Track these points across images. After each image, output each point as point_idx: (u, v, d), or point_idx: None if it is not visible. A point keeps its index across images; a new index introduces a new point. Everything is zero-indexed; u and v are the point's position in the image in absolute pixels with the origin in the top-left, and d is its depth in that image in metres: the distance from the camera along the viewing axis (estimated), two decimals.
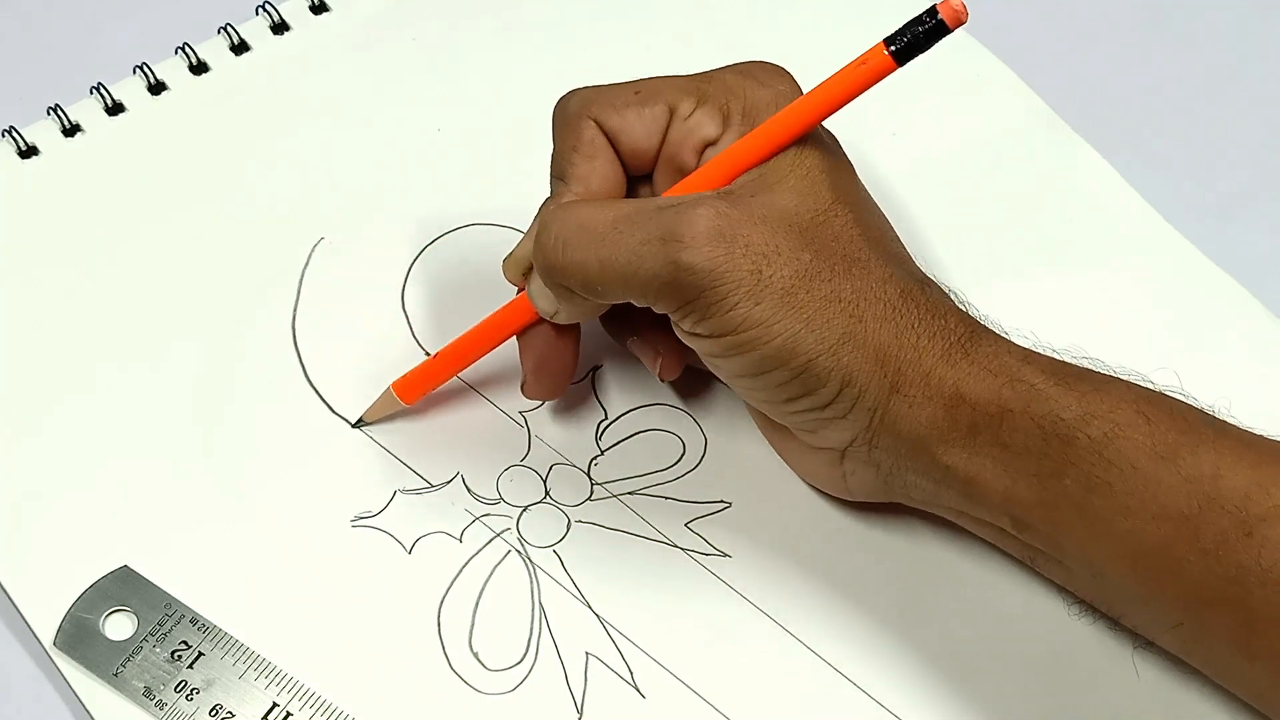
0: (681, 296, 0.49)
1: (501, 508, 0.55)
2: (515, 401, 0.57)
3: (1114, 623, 0.52)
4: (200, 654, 0.52)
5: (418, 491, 0.55)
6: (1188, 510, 0.46)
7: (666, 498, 0.55)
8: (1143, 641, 0.52)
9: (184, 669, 0.51)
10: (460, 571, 0.54)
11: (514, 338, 0.54)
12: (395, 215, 0.60)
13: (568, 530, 0.55)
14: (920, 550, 0.54)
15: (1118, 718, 0.52)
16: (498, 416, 0.56)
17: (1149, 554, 0.47)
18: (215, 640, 0.52)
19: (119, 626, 0.52)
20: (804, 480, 0.55)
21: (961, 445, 0.49)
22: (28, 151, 0.61)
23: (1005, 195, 0.62)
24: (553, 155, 0.53)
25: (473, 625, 0.53)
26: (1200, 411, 0.49)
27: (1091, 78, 0.65)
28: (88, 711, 0.51)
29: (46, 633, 0.52)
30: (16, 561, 0.53)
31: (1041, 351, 0.50)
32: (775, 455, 0.56)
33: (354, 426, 0.56)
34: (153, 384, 0.56)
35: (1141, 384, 0.49)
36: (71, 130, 0.62)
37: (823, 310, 0.49)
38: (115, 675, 0.51)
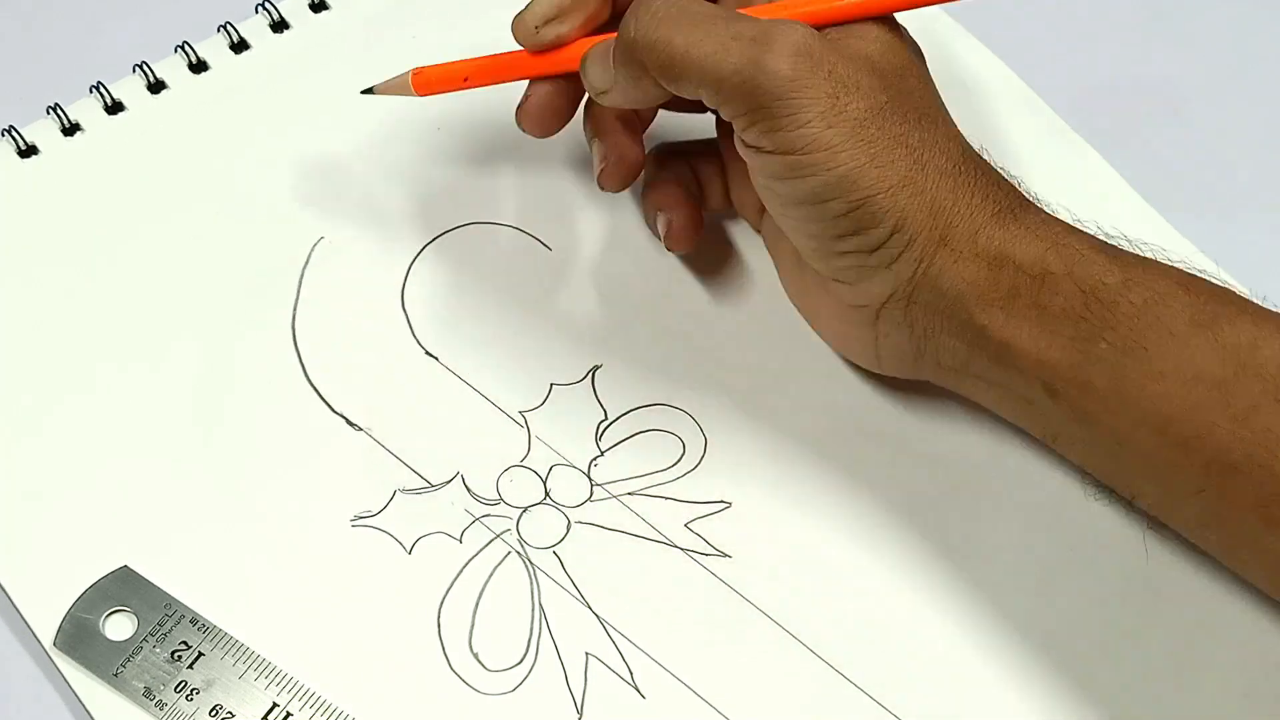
0: (756, 99, 0.50)
1: (501, 508, 0.55)
2: (515, 401, 0.57)
3: (1129, 504, 0.53)
4: (200, 654, 0.52)
5: (417, 491, 0.55)
6: (1221, 375, 0.48)
7: (666, 498, 0.55)
8: (1154, 522, 0.52)
9: (184, 669, 0.51)
10: (460, 572, 0.54)
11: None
12: (395, 215, 0.60)
13: (568, 531, 0.55)
14: (920, 551, 0.54)
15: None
16: (498, 416, 0.56)
17: (1178, 418, 0.48)
18: (215, 640, 0.52)
19: (119, 626, 0.52)
20: (835, 349, 0.56)
21: (1000, 306, 0.50)
22: (28, 151, 0.61)
23: None
24: None
25: (473, 625, 0.53)
26: (1241, 295, 0.50)
27: (1092, 78, 0.65)
28: (88, 711, 0.51)
29: (46, 633, 0.52)
30: (16, 561, 0.53)
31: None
32: (775, 455, 0.56)
33: (362, 93, 0.58)
34: (153, 384, 0.56)
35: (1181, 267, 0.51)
36: (71, 130, 0.62)
37: (890, 149, 0.50)
38: (115, 675, 0.51)
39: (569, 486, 0.55)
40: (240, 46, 0.64)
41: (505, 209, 0.60)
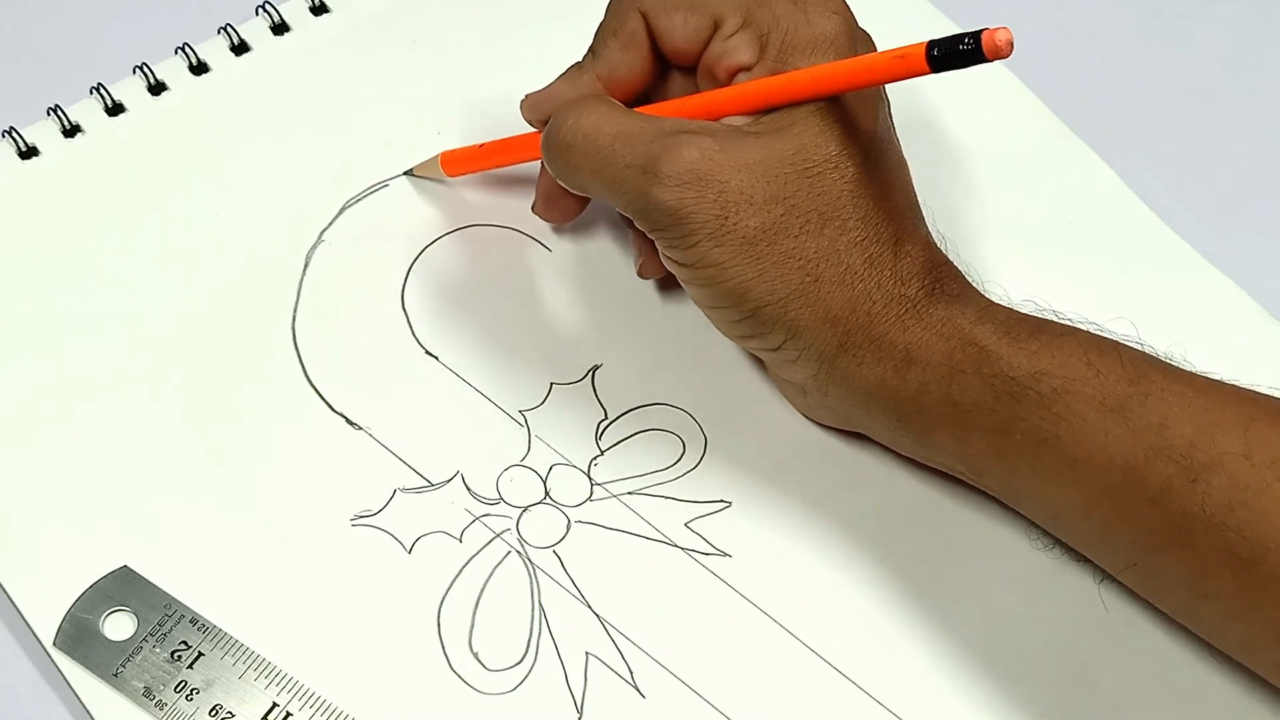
0: (650, 224, 0.52)
1: (501, 508, 0.55)
2: (515, 401, 0.57)
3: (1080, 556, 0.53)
4: (200, 654, 0.52)
5: (417, 490, 0.55)
6: (1134, 460, 0.48)
7: (666, 497, 0.55)
8: (1106, 574, 0.53)
9: (184, 669, 0.51)
10: (460, 571, 0.54)
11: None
12: (395, 215, 0.60)
13: (568, 531, 0.55)
14: (919, 549, 0.54)
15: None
16: (498, 416, 0.56)
17: (1099, 502, 0.49)
18: (215, 640, 0.52)
19: (119, 626, 0.52)
20: (785, 397, 0.56)
21: (912, 402, 0.51)
22: (28, 152, 0.61)
23: (1004, 198, 0.62)
24: (597, 28, 0.55)
25: (473, 625, 0.53)
26: (1152, 359, 0.50)
27: (1091, 79, 0.65)
28: (88, 711, 0.51)
29: (46, 633, 0.52)
30: (16, 561, 0.53)
31: (1001, 304, 0.52)
32: (775, 454, 0.56)
33: (405, 174, 0.60)
34: (153, 384, 0.56)
35: (1097, 334, 0.51)
36: (71, 130, 0.62)
37: (779, 265, 0.51)
38: (115, 675, 0.51)
39: (569, 486, 0.55)
40: (241, 48, 0.64)
41: (505, 209, 0.60)
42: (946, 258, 0.54)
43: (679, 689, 0.52)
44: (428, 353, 0.58)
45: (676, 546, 0.54)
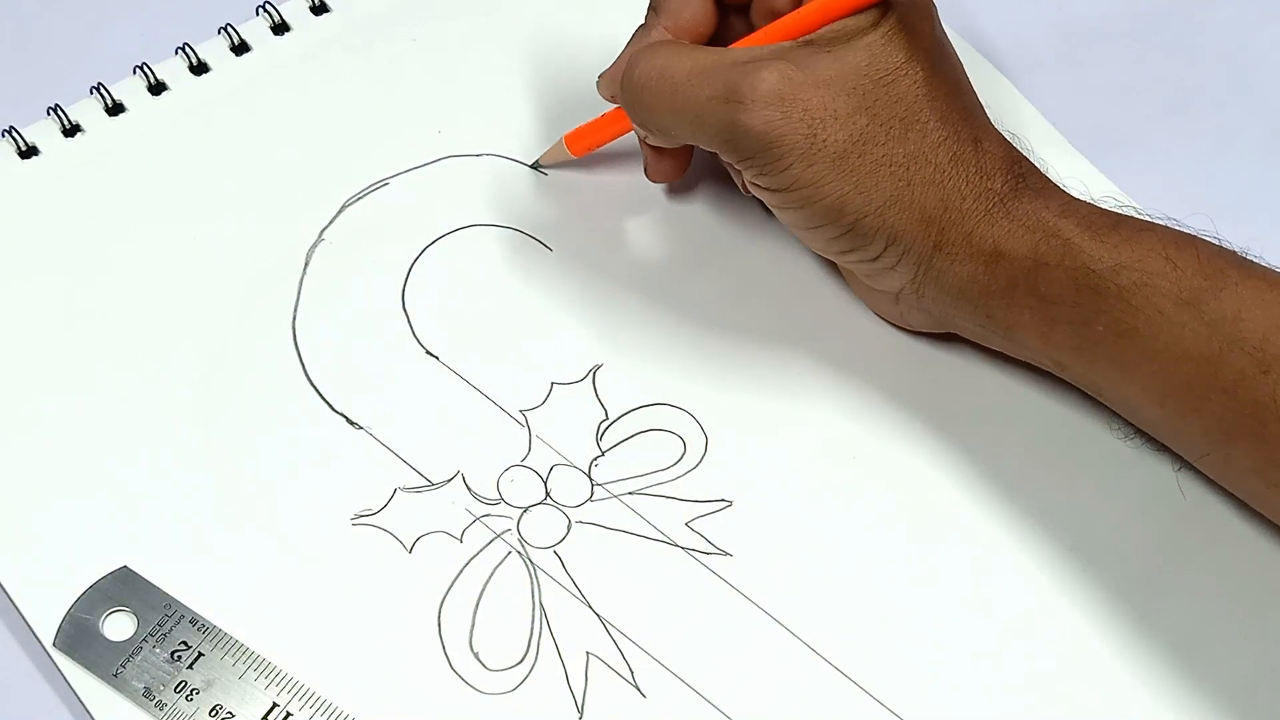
0: (739, 154, 0.53)
1: (502, 508, 0.55)
2: (516, 401, 0.57)
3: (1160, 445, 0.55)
4: (200, 654, 0.51)
5: (418, 490, 0.55)
6: (1209, 352, 0.49)
7: (667, 497, 0.55)
8: (1185, 462, 0.54)
9: (184, 669, 0.51)
10: (461, 571, 0.54)
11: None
12: (395, 216, 0.60)
13: (568, 531, 0.55)
14: (921, 549, 0.54)
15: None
16: (498, 416, 0.56)
17: (1174, 394, 0.51)
18: (215, 640, 0.52)
19: (119, 627, 0.52)
20: (872, 310, 0.58)
21: (1001, 296, 0.52)
22: (28, 151, 0.61)
23: None
24: None
25: (473, 625, 0.53)
26: (1229, 253, 0.52)
27: (1090, 78, 0.65)
28: (88, 711, 0.51)
29: (46, 633, 0.52)
30: (16, 561, 0.53)
31: (1082, 199, 0.53)
32: (776, 453, 0.56)
33: (531, 167, 0.61)
34: (153, 384, 0.56)
35: (1176, 229, 0.52)
36: (71, 130, 0.62)
37: (872, 174, 0.52)
38: (115, 675, 0.51)
39: (570, 486, 0.55)
40: (241, 48, 0.64)
41: (505, 209, 0.60)
42: (1023, 154, 0.55)
43: (680, 689, 0.52)
44: (428, 353, 0.58)
45: (677, 546, 0.54)
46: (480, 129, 0.62)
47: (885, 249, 0.53)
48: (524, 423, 0.56)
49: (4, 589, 0.53)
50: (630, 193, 0.61)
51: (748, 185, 0.55)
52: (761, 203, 0.60)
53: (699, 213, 0.61)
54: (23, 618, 0.52)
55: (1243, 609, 0.53)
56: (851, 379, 0.57)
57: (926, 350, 0.58)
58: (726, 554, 0.54)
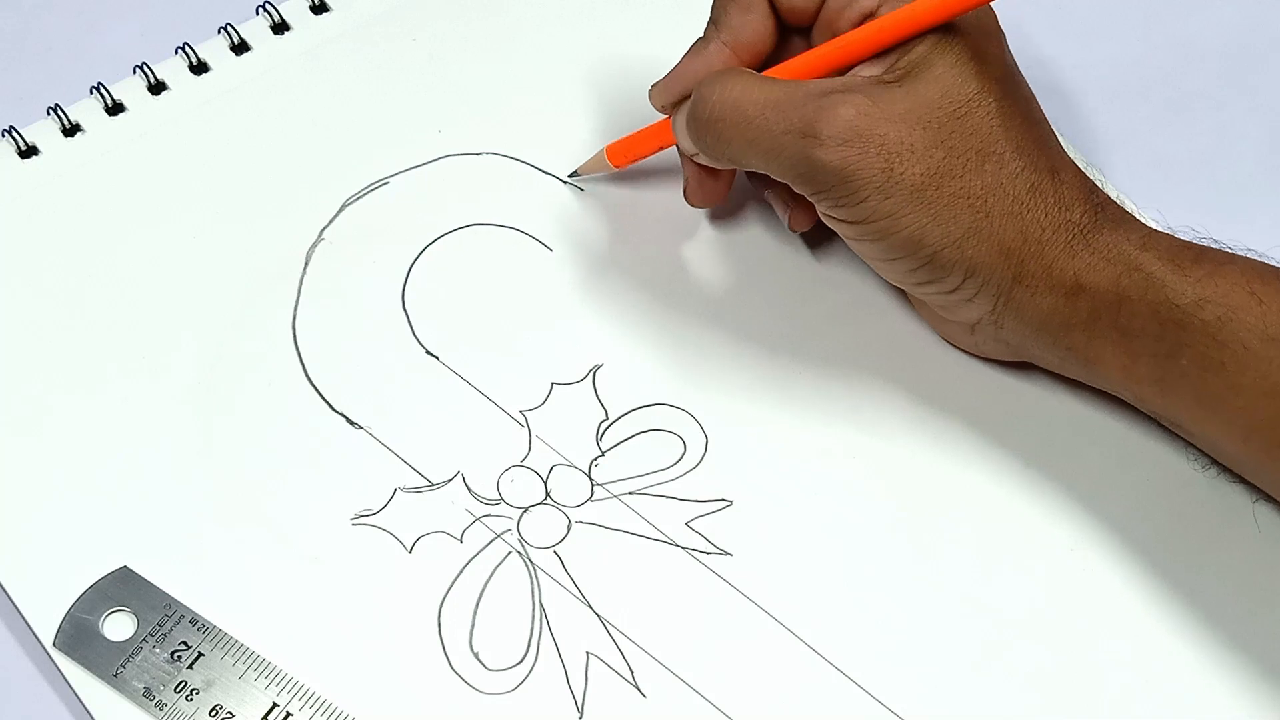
0: (815, 186, 0.52)
1: (502, 509, 0.55)
2: (516, 401, 0.57)
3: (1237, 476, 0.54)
4: (200, 654, 0.51)
5: (418, 490, 0.55)
6: None
7: (667, 497, 0.55)
8: (1262, 494, 0.54)
9: (184, 669, 0.51)
10: (461, 571, 0.54)
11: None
12: (395, 215, 0.60)
13: (568, 531, 0.55)
14: (921, 549, 0.54)
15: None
16: (498, 416, 0.56)
17: (1259, 429, 0.50)
18: (215, 640, 0.52)
19: (119, 627, 0.52)
20: (944, 339, 0.58)
21: (1082, 329, 0.52)
22: (28, 151, 0.61)
23: None
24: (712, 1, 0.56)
25: (473, 625, 0.53)
26: None
27: (1090, 78, 0.65)
28: (88, 711, 0.51)
29: (46, 633, 0.52)
30: (16, 561, 0.53)
31: (1162, 231, 0.53)
32: (776, 453, 0.56)
33: (565, 180, 0.60)
34: (153, 384, 0.56)
35: (1259, 261, 0.52)
36: (71, 130, 0.62)
37: (950, 206, 0.52)
38: (115, 675, 0.51)
39: (570, 486, 0.55)
40: (241, 48, 0.64)
41: (505, 209, 0.60)
42: (1098, 185, 0.54)
43: (680, 688, 0.52)
44: (428, 352, 0.58)
45: (677, 546, 0.54)
46: (480, 128, 0.62)
47: (964, 281, 0.53)
48: (524, 423, 0.56)
49: (4, 589, 0.53)
50: (630, 193, 0.61)
51: (821, 216, 0.54)
52: (761, 203, 0.60)
53: (699, 213, 0.61)
54: (23, 618, 0.52)
55: None
56: (850, 378, 0.57)
57: (927, 350, 0.58)
58: (726, 554, 0.54)
